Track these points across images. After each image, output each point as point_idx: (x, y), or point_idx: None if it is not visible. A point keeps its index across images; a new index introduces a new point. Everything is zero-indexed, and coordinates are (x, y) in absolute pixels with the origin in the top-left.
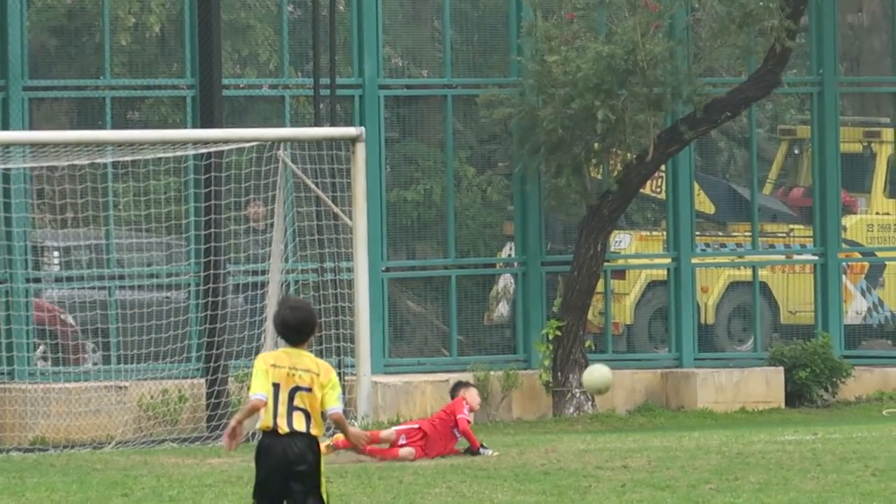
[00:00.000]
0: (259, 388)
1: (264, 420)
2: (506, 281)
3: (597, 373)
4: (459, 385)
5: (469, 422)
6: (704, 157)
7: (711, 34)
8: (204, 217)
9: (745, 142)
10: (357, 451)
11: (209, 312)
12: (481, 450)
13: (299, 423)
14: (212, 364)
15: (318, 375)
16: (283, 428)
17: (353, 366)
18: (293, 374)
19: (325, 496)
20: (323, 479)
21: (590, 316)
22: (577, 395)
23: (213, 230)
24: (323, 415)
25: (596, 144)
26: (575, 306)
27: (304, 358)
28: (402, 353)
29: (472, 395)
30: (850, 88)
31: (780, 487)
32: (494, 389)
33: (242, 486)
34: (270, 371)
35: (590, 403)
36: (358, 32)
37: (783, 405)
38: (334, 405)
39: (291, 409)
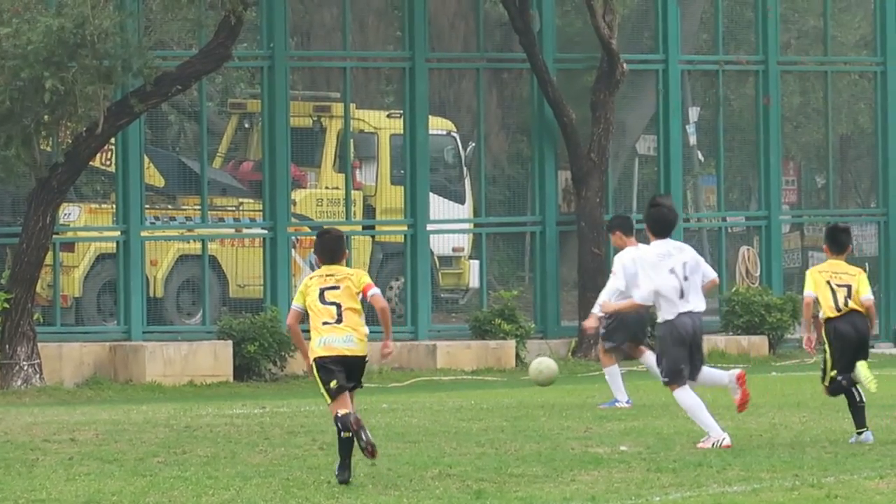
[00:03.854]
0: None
1: None
2: None
3: (546, 371)
4: None
5: None
6: (154, 130)
7: (162, 7)
8: None
9: (196, 115)
10: None
11: None
12: None
13: None
14: None
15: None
16: None
17: None
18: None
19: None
20: None
21: (38, 288)
22: (25, 367)
23: None
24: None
25: (46, 116)
26: (23, 278)
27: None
28: None
29: None
30: (300, 63)
31: (228, 461)
32: None
33: None
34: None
35: (38, 377)
36: None
37: (232, 379)
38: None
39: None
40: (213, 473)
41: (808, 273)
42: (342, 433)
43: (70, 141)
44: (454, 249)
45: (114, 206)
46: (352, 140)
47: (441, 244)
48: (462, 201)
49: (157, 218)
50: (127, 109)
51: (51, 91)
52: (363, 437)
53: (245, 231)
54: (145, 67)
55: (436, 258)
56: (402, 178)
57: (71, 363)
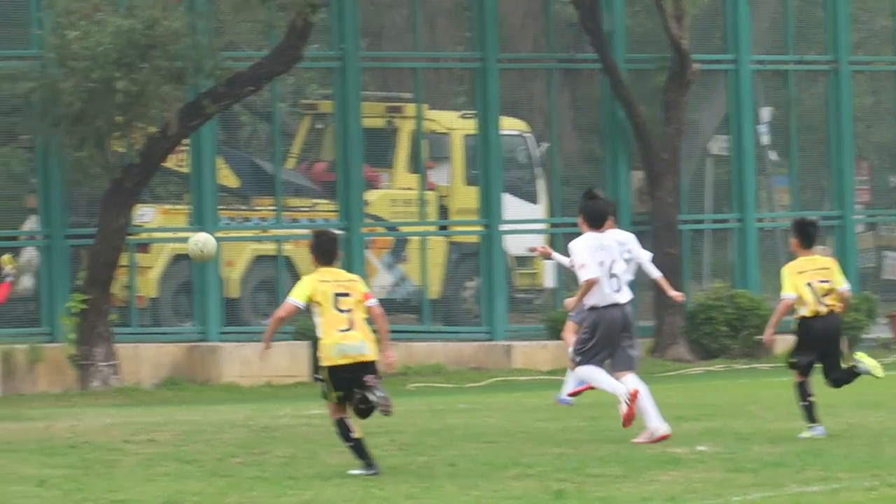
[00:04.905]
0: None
1: None
2: (29, 254)
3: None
4: None
5: None
6: (227, 131)
7: (232, 8)
8: None
9: (268, 116)
10: None
11: None
12: None
13: None
14: None
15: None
16: None
17: None
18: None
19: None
20: None
21: (115, 289)
22: (103, 368)
23: None
24: None
25: (118, 117)
26: (99, 280)
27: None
28: None
29: None
30: (371, 63)
31: (307, 461)
32: (19, 363)
33: None
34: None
35: (116, 377)
36: None
37: (309, 379)
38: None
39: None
40: (292, 474)
41: (784, 272)
42: (351, 437)
43: (142, 142)
44: (529, 249)
45: (188, 207)
46: (425, 140)
47: (516, 244)
48: (536, 201)
49: (231, 219)
50: (199, 110)
51: (122, 92)
52: (377, 393)
53: None
54: (216, 69)
55: (511, 258)
56: (475, 178)
57: (148, 364)
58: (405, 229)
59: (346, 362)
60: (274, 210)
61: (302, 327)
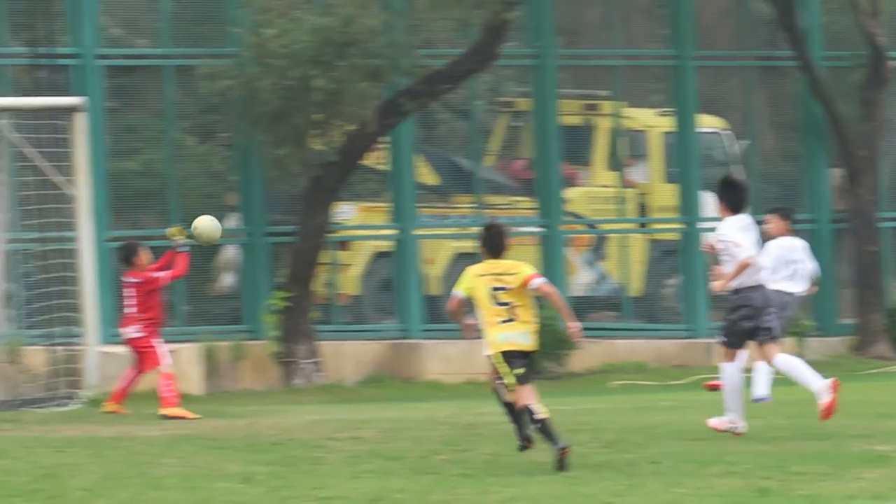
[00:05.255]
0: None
1: None
2: (230, 252)
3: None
4: None
5: None
6: (425, 128)
7: (429, 6)
8: None
9: (465, 113)
10: None
11: None
12: None
13: None
14: None
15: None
16: None
17: (80, 336)
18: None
19: None
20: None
21: (316, 287)
22: (306, 365)
23: None
24: None
25: (316, 116)
26: (301, 277)
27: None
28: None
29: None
30: (568, 61)
31: (511, 459)
32: (223, 360)
33: None
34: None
35: (319, 375)
36: (74, 1)
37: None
38: None
39: None
40: (496, 471)
41: None
42: (509, 411)
43: (341, 140)
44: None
45: (387, 204)
46: (623, 138)
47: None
48: None
49: (431, 216)
50: (396, 108)
51: (320, 90)
52: (522, 430)
53: (519, 229)
54: (413, 66)
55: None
56: (674, 175)
57: (351, 361)
58: (604, 227)
59: (511, 349)
60: (473, 208)
61: None
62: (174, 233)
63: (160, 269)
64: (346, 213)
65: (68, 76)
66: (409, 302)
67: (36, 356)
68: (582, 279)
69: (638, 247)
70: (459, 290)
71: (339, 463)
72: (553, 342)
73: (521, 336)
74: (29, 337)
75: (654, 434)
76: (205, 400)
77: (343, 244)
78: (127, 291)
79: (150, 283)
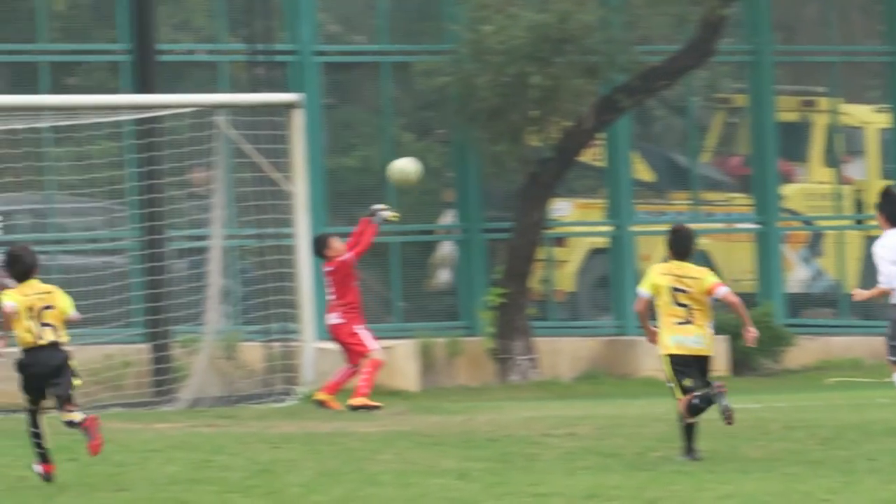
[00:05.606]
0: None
1: None
2: (447, 248)
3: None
4: None
5: None
6: (641, 125)
7: (646, 2)
8: (143, 182)
9: (682, 110)
10: None
11: (151, 277)
12: None
13: None
14: (155, 329)
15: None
16: None
17: (296, 332)
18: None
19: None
20: None
21: (533, 283)
22: (522, 362)
23: (153, 195)
24: None
25: (533, 112)
26: (517, 273)
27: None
28: None
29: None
30: (785, 57)
31: (728, 455)
32: (439, 356)
33: (189, 450)
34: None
35: (535, 371)
36: None
37: (729, 373)
38: None
39: None
40: (712, 468)
41: None
42: (688, 418)
43: (558, 137)
44: None
45: (604, 201)
46: (840, 134)
47: None
48: None
49: (647, 213)
50: (613, 105)
51: (536, 87)
52: (722, 402)
53: (736, 225)
54: (630, 63)
55: None
56: (891, 172)
57: (567, 358)
58: (821, 223)
59: (682, 353)
60: (690, 204)
61: (721, 322)
62: (393, 217)
63: (350, 248)
64: (563, 209)
65: (286, 73)
66: (625, 298)
67: (252, 352)
68: (798, 276)
69: (854, 243)
70: (644, 289)
71: (554, 460)
72: (769, 339)
73: (695, 340)
74: (246, 333)
75: (870, 431)
76: (420, 396)
77: (559, 241)
78: (326, 280)
79: (342, 268)
